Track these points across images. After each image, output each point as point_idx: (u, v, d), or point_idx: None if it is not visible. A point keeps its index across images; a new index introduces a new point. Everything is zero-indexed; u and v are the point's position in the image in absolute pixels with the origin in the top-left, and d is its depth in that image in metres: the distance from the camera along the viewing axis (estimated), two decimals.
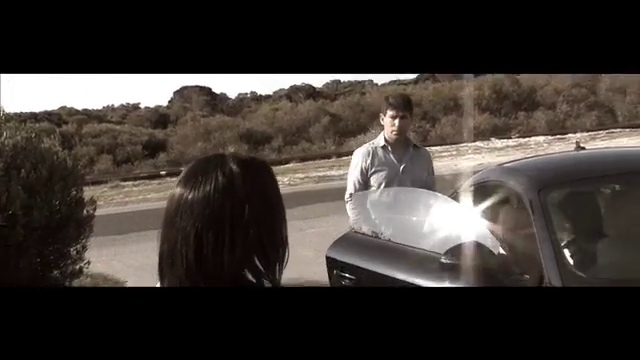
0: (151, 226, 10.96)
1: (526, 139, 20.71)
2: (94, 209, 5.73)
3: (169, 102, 40.77)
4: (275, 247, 1.22)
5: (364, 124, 23.82)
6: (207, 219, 1.17)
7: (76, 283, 6.67)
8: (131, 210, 12.48)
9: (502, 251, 2.86)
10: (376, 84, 41.63)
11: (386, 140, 4.03)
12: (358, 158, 4.05)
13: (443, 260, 2.73)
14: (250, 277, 1.20)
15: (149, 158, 21.09)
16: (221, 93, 40.72)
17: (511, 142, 20.27)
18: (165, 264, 1.22)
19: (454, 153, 18.59)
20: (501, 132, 22.65)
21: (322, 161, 18.86)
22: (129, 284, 7.10)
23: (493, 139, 20.93)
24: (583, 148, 4.21)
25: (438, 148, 19.63)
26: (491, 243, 2.85)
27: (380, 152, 4.01)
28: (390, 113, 4.01)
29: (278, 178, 1.32)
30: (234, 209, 1.18)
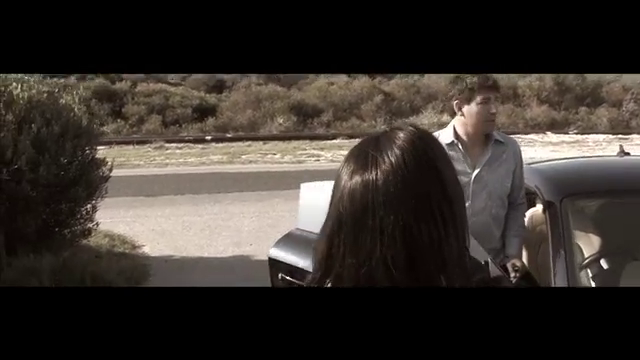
0: (184, 191, 10.94)
1: (584, 136, 19.83)
2: (110, 170, 5.60)
3: None
4: (467, 236, 0.98)
5: (417, 106, 23.30)
6: (413, 206, 0.90)
7: (92, 242, 6.61)
8: (168, 172, 12.43)
9: (493, 267, 2.49)
10: None
11: (458, 135, 3.01)
12: None
13: None
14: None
15: (197, 122, 21.05)
16: None
17: (567, 138, 19.44)
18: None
19: None
20: (559, 126, 21.78)
21: None
22: (146, 249, 7.02)
23: (549, 133, 20.14)
24: (627, 154, 3.78)
25: None
26: (480, 257, 2.46)
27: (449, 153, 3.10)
28: (480, 97, 2.94)
29: (322, 153, 1.05)
30: (436, 188, 0.93)
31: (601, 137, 19.68)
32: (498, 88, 3.03)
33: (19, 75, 5.24)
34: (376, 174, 0.91)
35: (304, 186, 3.36)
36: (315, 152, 15.82)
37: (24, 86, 4.99)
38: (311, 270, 3.03)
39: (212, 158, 14.70)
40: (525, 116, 22.65)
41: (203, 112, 21.86)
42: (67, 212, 5.14)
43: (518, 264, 2.75)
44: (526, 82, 24.94)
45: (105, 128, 19.47)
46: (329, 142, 17.73)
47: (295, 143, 17.48)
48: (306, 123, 21.56)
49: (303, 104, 23.00)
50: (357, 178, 0.93)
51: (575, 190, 2.98)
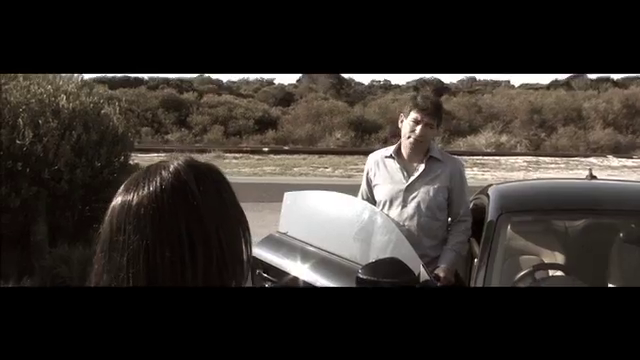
0: None
1: None
2: None
3: (297, 81, 41.75)
4: (234, 265, 1.03)
5: (477, 125, 23.25)
6: (158, 229, 0.97)
7: None
8: None
9: (424, 272, 2.83)
10: (512, 85, 40.18)
11: (398, 149, 3.28)
12: (366, 166, 3.43)
13: (360, 275, 2.73)
14: None
15: (258, 134, 21.84)
16: (349, 78, 40.88)
17: (630, 162, 18.95)
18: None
19: (562, 166, 17.72)
20: (624, 150, 21.22)
21: None
22: None
23: (610, 157, 19.69)
24: (595, 177, 4.01)
25: (547, 159, 18.90)
26: (413, 263, 2.81)
27: (388, 163, 3.30)
28: (414, 115, 3.16)
29: None
30: (190, 216, 0.99)
31: None
32: (433, 115, 3.15)
33: (69, 87, 5.92)
34: (133, 196, 1.00)
35: (287, 194, 3.79)
36: None
37: (71, 97, 5.66)
38: (282, 268, 3.37)
39: (265, 169, 15.30)
40: (588, 139, 22.26)
41: (265, 124, 22.67)
42: (101, 211, 5.74)
43: (441, 274, 3.01)
44: (592, 104, 24.49)
45: (169, 136, 20.64)
46: None
47: (349, 158, 17.88)
48: (363, 138, 21.97)
49: (362, 120, 23.40)
50: (119, 199, 1.03)
51: (513, 207, 3.26)
